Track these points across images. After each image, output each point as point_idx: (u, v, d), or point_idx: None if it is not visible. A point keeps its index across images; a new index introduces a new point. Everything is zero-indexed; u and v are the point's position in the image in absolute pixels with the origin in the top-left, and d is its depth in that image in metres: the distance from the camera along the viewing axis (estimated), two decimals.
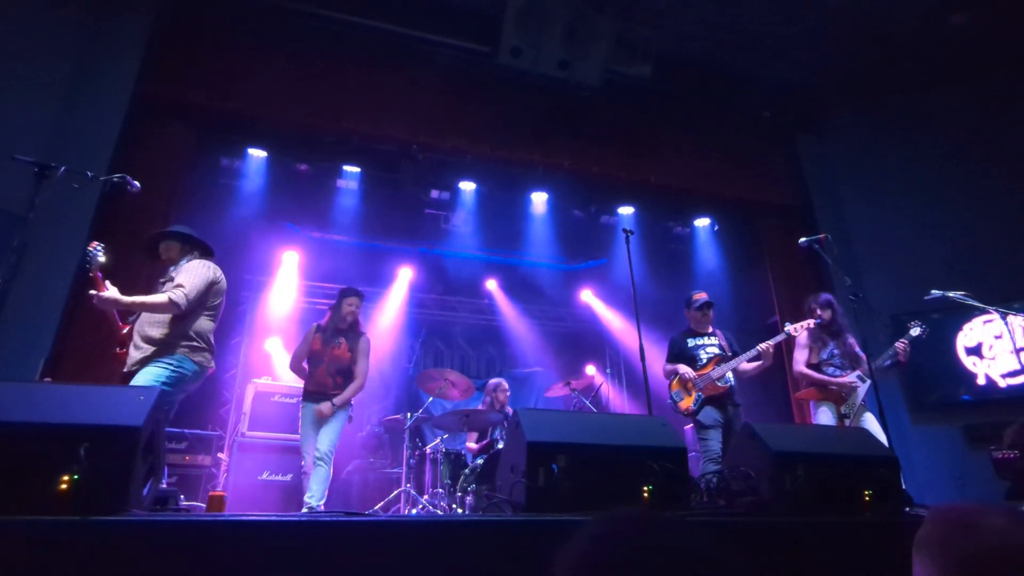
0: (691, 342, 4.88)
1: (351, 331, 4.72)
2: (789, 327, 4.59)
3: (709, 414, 4.57)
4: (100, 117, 4.96)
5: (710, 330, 4.94)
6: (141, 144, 5.14)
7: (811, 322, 4.59)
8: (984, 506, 0.91)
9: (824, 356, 4.57)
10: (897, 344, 4.42)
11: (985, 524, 0.86)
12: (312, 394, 4.55)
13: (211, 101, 5.51)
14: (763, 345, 4.54)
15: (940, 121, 6.52)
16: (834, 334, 4.62)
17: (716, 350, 4.78)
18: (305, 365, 4.72)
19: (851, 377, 4.41)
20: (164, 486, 3.37)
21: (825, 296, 4.70)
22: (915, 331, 4.48)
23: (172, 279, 3.49)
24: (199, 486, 5.29)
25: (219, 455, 5.80)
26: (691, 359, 4.79)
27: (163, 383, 3.21)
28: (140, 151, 5.06)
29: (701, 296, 4.94)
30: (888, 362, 4.44)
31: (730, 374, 4.64)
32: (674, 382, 4.83)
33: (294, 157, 6.35)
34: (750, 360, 4.62)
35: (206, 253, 3.73)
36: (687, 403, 4.66)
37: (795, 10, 5.68)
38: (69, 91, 4.94)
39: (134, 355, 3.34)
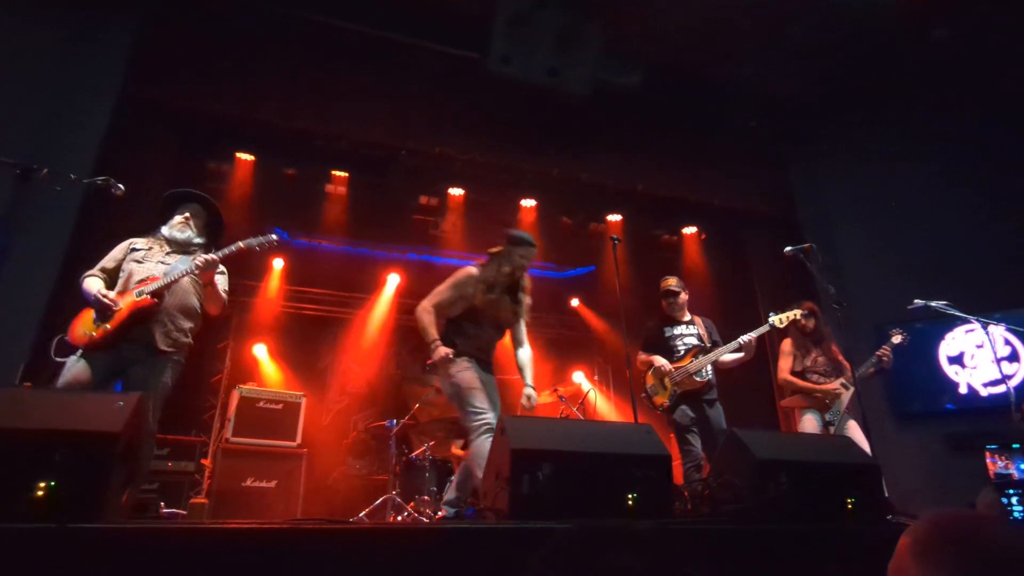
0: (668, 331, 4.64)
1: (513, 288, 3.86)
2: (773, 317, 4.44)
3: (684, 413, 4.37)
4: (85, 119, 4.90)
5: (687, 317, 4.69)
6: (126, 146, 5.08)
7: (797, 312, 4.47)
8: (985, 515, 0.92)
9: (808, 364, 4.61)
10: (879, 351, 4.47)
11: (992, 533, 0.88)
12: (477, 358, 3.82)
13: (198, 104, 5.48)
14: (745, 337, 4.34)
15: (925, 133, 6.61)
16: (818, 342, 4.66)
17: (694, 340, 4.55)
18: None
19: (835, 384, 4.45)
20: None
21: (809, 304, 4.72)
22: (896, 339, 4.53)
23: (199, 249, 3.50)
24: (182, 493, 5.22)
25: (202, 461, 5.74)
26: (668, 350, 4.56)
27: (169, 385, 3.23)
28: (125, 153, 5.00)
29: (667, 283, 4.74)
30: (871, 369, 4.49)
31: (709, 368, 4.43)
32: (649, 375, 4.59)
33: (282, 161, 6.32)
34: (731, 352, 4.43)
35: (217, 234, 3.74)
36: (662, 399, 4.46)
37: (783, 22, 5.74)
38: (54, 92, 4.87)
39: (161, 339, 3.21)
